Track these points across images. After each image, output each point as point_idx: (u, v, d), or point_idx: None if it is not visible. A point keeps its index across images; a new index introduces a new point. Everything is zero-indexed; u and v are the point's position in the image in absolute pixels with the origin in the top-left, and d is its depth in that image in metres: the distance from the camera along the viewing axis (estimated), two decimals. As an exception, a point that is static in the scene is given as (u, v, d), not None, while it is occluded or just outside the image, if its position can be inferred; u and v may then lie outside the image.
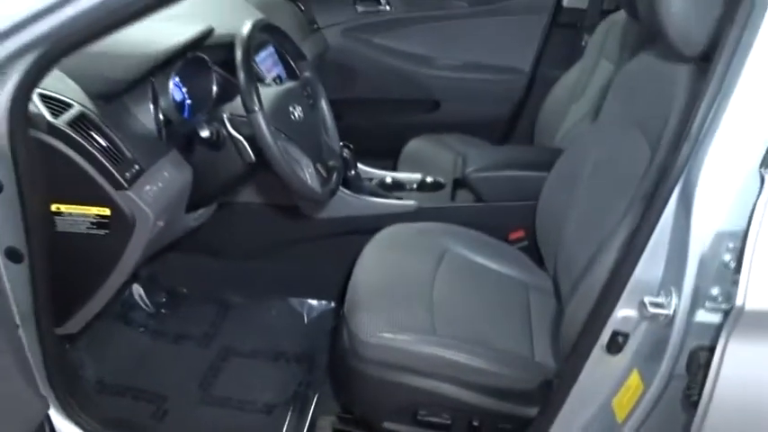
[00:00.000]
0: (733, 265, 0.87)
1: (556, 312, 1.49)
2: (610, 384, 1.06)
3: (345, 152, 1.86)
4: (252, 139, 1.28)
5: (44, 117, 1.09)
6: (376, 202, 1.84)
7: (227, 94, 1.56)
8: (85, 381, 1.61)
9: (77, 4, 0.96)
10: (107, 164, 1.14)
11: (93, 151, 1.13)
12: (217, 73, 1.58)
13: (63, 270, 1.18)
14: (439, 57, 2.57)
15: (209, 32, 1.48)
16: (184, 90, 1.50)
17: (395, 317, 1.36)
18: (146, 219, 1.18)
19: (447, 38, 2.54)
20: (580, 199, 1.44)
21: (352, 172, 1.88)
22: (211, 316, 1.93)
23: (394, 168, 2.22)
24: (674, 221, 0.93)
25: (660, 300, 0.95)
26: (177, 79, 1.48)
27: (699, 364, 0.92)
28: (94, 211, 1.16)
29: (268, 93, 1.42)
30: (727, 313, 0.85)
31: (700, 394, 0.89)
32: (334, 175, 1.51)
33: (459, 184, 1.95)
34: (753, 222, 0.82)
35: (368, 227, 1.70)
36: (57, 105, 1.15)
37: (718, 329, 0.87)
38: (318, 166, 1.43)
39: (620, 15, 1.95)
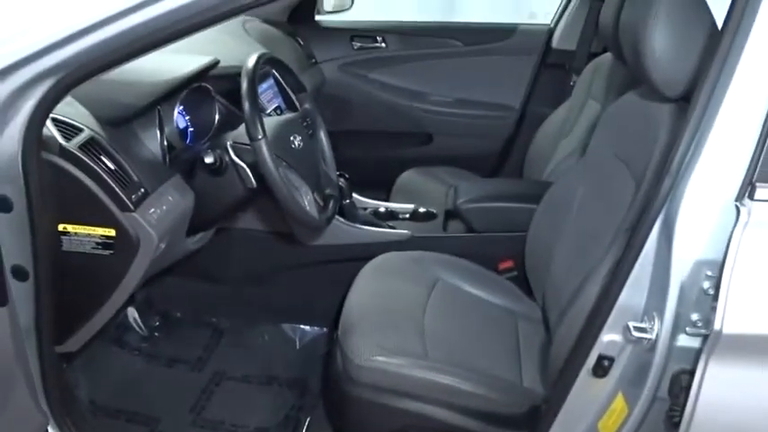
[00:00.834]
0: (712, 291, 0.92)
1: (544, 340, 1.53)
2: (596, 407, 1.10)
3: (341, 182, 1.91)
4: (254, 166, 1.33)
5: (57, 140, 1.14)
6: (370, 230, 1.89)
7: (228, 122, 1.62)
8: (80, 401, 1.61)
9: (94, 35, 1.02)
10: (114, 186, 1.18)
11: (102, 174, 1.17)
12: (219, 102, 1.64)
13: (66, 288, 1.21)
14: (432, 93, 2.65)
15: (214, 64, 1.54)
16: (187, 118, 1.56)
17: (388, 341, 1.39)
18: (150, 240, 1.22)
19: (441, 75, 2.63)
20: (568, 230, 1.50)
21: (348, 201, 1.93)
22: (205, 340, 1.95)
23: (387, 199, 2.28)
24: (657, 251, 0.98)
25: (644, 325, 1.00)
26: (181, 107, 1.53)
27: (681, 386, 0.97)
28: (100, 231, 1.19)
29: (270, 122, 1.47)
30: (706, 338, 0.90)
31: (681, 416, 0.93)
32: (331, 203, 1.56)
33: (451, 214, 2.01)
34: (729, 251, 0.87)
35: (362, 254, 1.74)
36: (68, 129, 1.19)
37: (698, 353, 0.92)
38: (316, 194, 1.48)
39: (607, 57, 2.04)
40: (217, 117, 1.62)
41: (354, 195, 2.11)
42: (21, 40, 1.01)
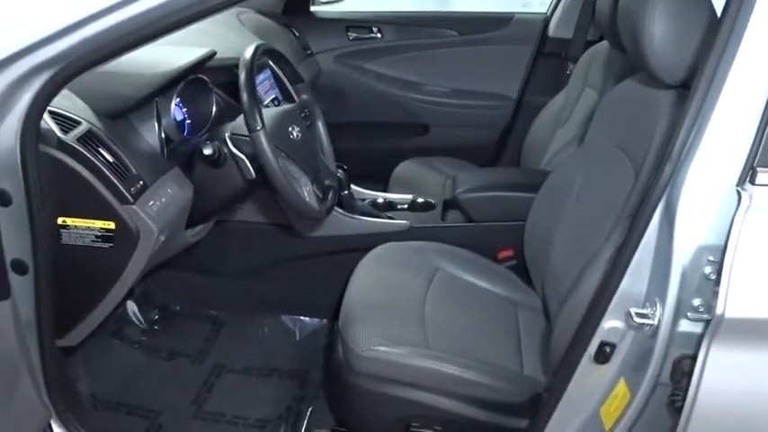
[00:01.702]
0: (713, 276, 0.92)
1: (544, 329, 1.53)
2: (598, 393, 1.10)
3: (340, 173, 1.91)
4: (253, 158, 1.32)
5: (54, 133, 1.13)
6: (369, 221, 1.89)
7: (225, 114, 1.62)
8: (81, 395, 1.61)
9: (89, 27, 1.01)
10: (113, 179, 1.18)
11: (101, 166, 1.17)
12: (217, 94, 1.63)
13: (66, 282, 1.21)
14: (428, 83, 2.65)
15: (211, 56, 1.53)
16: (185, 110, 1.55)
17: (388, 331, 1.39)
18: (149, 233, 1.22)
19: (437, 65, 2.62)
20: (567, 218, 1.50)
21: (346, 192, 1.92)
22: (205, 333, 1.95)
23: (384, 190, 2.28)
24: (658, 237, 0.99)
25: (645, 311, 1.00)
26: (178, 100, 1.52)
27: (683, 372, 0.97)
28: (99, 224, 1.19)
29: (269, 113, 1.47)
30: (708, 323, 0.91)
31: (684, 401, 0.94)
32: (330, 194, 1.56)
33: (450, 204, 2.01)
34: (731, 236, 0.88)
35: (361, 245, 1.74)
36: (66, 122, 1.18)
37: (700, 338, 0.92)
38: (315, 185, 1.48)
39: (604, 45, 2.04)
40: (214, 109, 1.61)
41: (353, 186, 2.11)
42: (16, 33, 1.00)
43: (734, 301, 0.87)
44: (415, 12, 2.69)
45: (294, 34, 2.54)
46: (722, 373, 0.90)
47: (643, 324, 0.99)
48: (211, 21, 2.03)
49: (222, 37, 1.92)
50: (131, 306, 1.93)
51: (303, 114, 1.55)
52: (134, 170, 1.25)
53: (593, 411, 1.11)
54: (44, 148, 1.12)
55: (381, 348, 1.34)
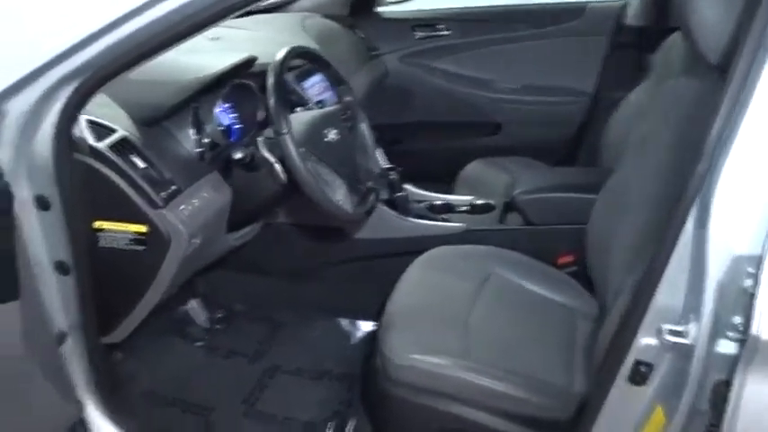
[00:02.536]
0: (753, 291, 0.80)
1: (602, 341, 1.42)
2: (633, 418, 0.99)
3: (392, 174, 1.88)
4: (284, 161, 1.32)
5: (86, 141, 1.18)
6: (422, 223, 1.85)
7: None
8: (138, 390, 1.69)
9: (112, 34, 1.03)
10: (144, 184, 1.21)
11: (131, 173, 1.21)
12: (262, 97, 1.64)
13: (107, 282, 1.26)
14: (499, 79, 2.55)
15: (251, 61, 1.55)
16: (233, 116, 1.57)
17: (427, 338, 1.35)
18: (180, 236, 1.24)
19: (507, 60, 2.52)
20: (627, 222, 1.38)
21: (400, 194, 1.89)
22: (262, 333, 1.98)
23: (449, 191, 2.21)
24: (693, 244, 0.87)
25: (680, 328, 0.89)
26: (225, 105, 1.55)
27: (723, 398, 0.85)
28: (133, 228, 1.23)
29: (303, 116, 1.47)
30: (744, 344, 0.79)
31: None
32: (371, 197, 1.53)
33: (509, 206, 1.92)
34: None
35: (415, 248, 1.70)
36: (102, 130, 1.24)
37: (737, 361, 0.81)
38: (352, 187, 1.46)
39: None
40: (261, 113, 1.63)
41: (411, 188, 2.08)
42: (43, 44, 1.04)
43: (772, 321, 0.75)
44: (483, 6, 2.59)
45: (359, 36, 2.53)
46: (761, 402, 0.78)
47: (677, 343, 0.88)
48: (277, 27, 2.09)
49: (282, 43, 1.94)
50: (195, 305, 2.00)
51: (344, 116, 1.53)
52: (167, 175, 1.28)
53: (628, 436, 1.01)
54: (78, 156, 1.17)
55: (417, 357, 1.30)
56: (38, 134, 1.10)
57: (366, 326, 1.98)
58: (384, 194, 1.94)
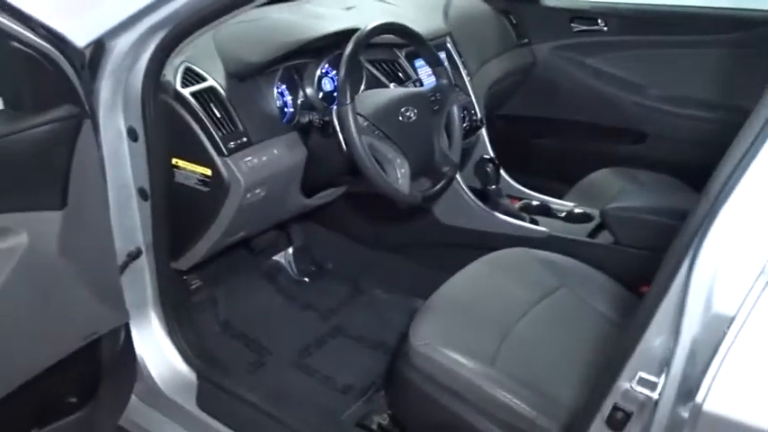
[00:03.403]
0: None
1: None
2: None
3: (489, 167, 1.83)
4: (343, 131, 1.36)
5: (172, 84, 1.32)
6: (505, 220, 1.79)
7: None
8: (213, 317, 1.86)
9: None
10: (213, 131, 1.33)
11: (206, 120, 1.32)
12: (367, 70, 1.69)
13: (178, 215, 1.42)
14: (653, 86, 2.32)
15: (353, 30, 1.59)
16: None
17: (456, 334, 1.33)
18: (238, 185, 1.34)
19: (666, 66, 2.28)
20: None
21: (493, 187, 1.84)
22: (341, 295, 2.06)
23: (562, 194, 2.10)
24: (682, 292, 0.77)
25: (654, 379, 0.79)
26: (331, 71, 1.62)
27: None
28: (200, 170, 1.36)
29: (386, 92, 1.48)
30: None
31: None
32: (443, 182, 1.52)
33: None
34: (743, 305, 0.65)
35: (495, 244, 1.66)
36: (193, 77, 1.37)
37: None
38: (420, 168, 1.46)
39: None
40: (363, 84, 1.68)
41: (515, 185, 2.01)
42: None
43: (720, 392, 0.65)
44: (652, 5, 2.34)
45: (511, 21, 2.45)
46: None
47: (643, 394, 0.79)
48: (416, 3, 2.11)
49: (413, 18, 1.96)
50: (288, 255, 2.14)
51: (433, 98, 1.52)
52: (241, 127, 1.38)
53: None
54: (163, 97, 1.31)
55: (438, 348, 1.29)
56: (133, 72, 1.27)
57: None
58: (477, 185, 1.90)
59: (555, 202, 1.93)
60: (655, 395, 0.77)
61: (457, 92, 1.68)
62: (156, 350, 1.52)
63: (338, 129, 1.36)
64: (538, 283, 1.51)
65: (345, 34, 1.46)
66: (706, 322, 0.71)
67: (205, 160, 1.35)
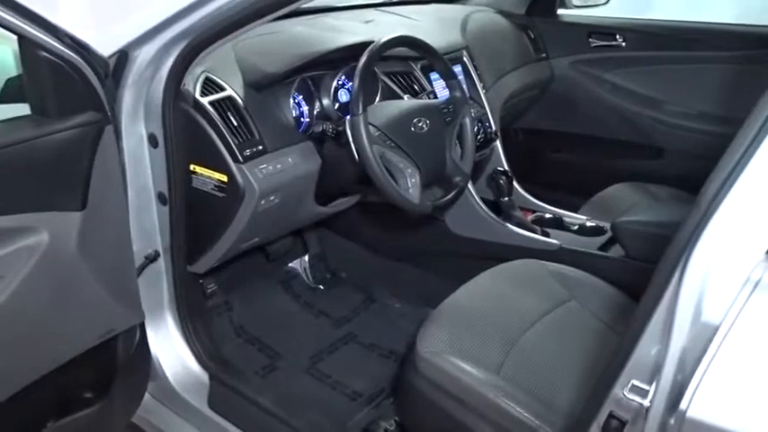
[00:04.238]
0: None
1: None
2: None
3: (503, 179, 1.85)
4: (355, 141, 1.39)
5: (191, 93, 1.37)
6: (516, 232, 1.80)
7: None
8: (228, 320, 1.90)
9: (209, 5, 1.19)
10: (230, 140, 1.37)
11: (223, 128, 1.36)
12: (383, 82, 1.72)
13: (195, 219, 1.46)
14: (671, 101, 2.33)
15: (369, 43, 1.63)
16: (352, 94, 1.68)
17: (463, 342, 1.34)
18: (252, 192, 1.38)
19: (684, 82, 2.28)
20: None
21: (505, 199, 1.86)
22: (355, 303, 2.09)
23: (576, 208, 2.10)
24: (672, 299, 0.78)
25: (646, 387, 0.81)
26: (347, 83, 1.67)
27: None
28: (216, 176, 1.40)
29: (399, 103, 1.52)
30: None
31: None
32: (454, 192, 1.54)
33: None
34: (728, 314, 0.66)
35: (506, 255, 1.68)
36: (212, 86, 1.42)
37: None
38: (430, 179, 1.48)
39: None
40: (379, 96, 1.71)
41: (529, 198, 2.03)
42: (158, 6, 1.23)
43: (704, 398, 0.66)
44: (670, 21, 2.35)
45: (529, 36, 2.48)
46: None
47: (635, 402, 0.80)
48: (434, 18, 2.15)
49: (431, 32, 2.00)
50: (304, 262, 2.18)
51: (445, 110, 1.55)
52: (257, 136, 1.42)
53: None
54: (183, 105, 1.36)
55: (443, 355, 1.31)
56: (154, 81, 1.32)
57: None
58: (491, 197, 1.92)
59: (568, 215, 1.94)
60: (646, 402, 0.78)
61: (470, 104, 1.71)
62: (171, 350, 1.56)
63: (350, 138, 1.39)
64: (547, 295, 1.52)
65: (361, 47, 1.50)
66: (694, 331, 0.72)
67: (221, 167, 1.39)
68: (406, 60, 1.79)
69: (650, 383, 0.79)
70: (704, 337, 0.71)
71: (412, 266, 2.07)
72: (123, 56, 1.27)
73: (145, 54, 1.27)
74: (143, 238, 1.43)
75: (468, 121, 1.59)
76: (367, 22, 1.99)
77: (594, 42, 2.45)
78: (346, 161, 1.44)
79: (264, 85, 1.48)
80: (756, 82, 2.11)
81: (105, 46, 1.23)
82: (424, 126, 1.48)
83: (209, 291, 1.84)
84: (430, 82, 1.83)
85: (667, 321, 0.77)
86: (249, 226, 1.46)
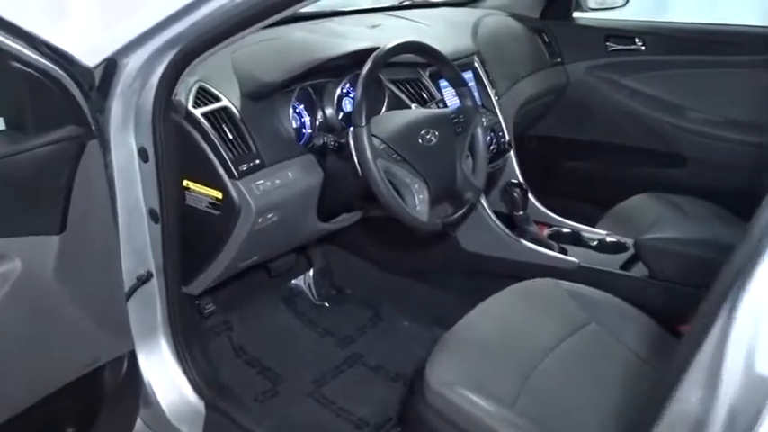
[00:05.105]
0: None
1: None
2: None
3: (516, 192, 1.75)
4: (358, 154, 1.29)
5: (183, 105, 1.28)
6: (532, 249, 1.70)
7: (393, 110, 1.61)
8: (227, 341, 1.81)
9: (199, 11, 1.10)
10: (225, 154, 1.28)
11: (217, 141, 1.28)
12: (389, 90, 1.63)
13: (190, 237, 1.37)
14: (694, 108, 2.22)
15: (374, 49, 1.53)
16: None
17: (476, 374, 1.25)
18: (248, 209, 1.29)
19: (707, 87, 2.17)
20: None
21: (520, 213, 1.76)
22: (362, 322, 2.00)
23: (594, 221, 2.00)
24: (717, 347, 0.67)
25: (688, 440, 0.70)
26: (353, 91, 1.57)
27: None
28: (211, 192, 1.31)
29: (403, 114, 1.42)
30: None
31: None
32: (464, 208, 1.44)
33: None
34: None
35: (522, 273, 1.58)
36: (206, 97, 1.33)
37: None
38: (439, 194, 1.39)
39: None
40: (385, 105, 1.62)
41: (544, 210, 1.92)
42: (147, 12, 1.15)
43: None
44: (692, 24, 2.24)
45: (544, 40, 2.38)
46: None
47: (674, 461, 0.70)
48: (445, 22, 2.06)
49: (439, 37, 1.90)
50: (308, 278, 2.08)
51: (455, 120, 1.45)
52: (254, 149, 1.33)
53: None
54: (174, 117, 1.27)
55: (453, 388, 1.21)
56: (144, 91, 1.23)
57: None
58: (504, 210, 1.82)
59: (586, 230, 1.83)
60: (689, 463, 0.68)
61: (482, 113, 1.61)
62: (165, 377, 1.47)
63: (353, 152, 1.30)
64: (565, 318, 1.42)
65: (366, 53, 1.41)
66: (747, 383, 0.62)
67: (216, 183, 1.30)
68: (413, 67, 1.70)
69: None
70: (759, 394, 0.60)
71: (421, 283, 1.98)
72: (111, 64, 1.18)
73: (134, 62, 1.18)
74: (135, 258, 1.35)
75: (479, 131, 1.49)
76: (373, 26, 1.89)
77: (612, 46, 2.34)
78: (350, 176, 1.35)
79: (263, 95, 1.39)
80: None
81: (90, 55, 1.15)
82: (433, 138, 1.38)
83: (207, 311, 1.75)
84: (439, 90, 1.73)
85: (714, 368, 0.67)
86: (246, 245, 1.37)
